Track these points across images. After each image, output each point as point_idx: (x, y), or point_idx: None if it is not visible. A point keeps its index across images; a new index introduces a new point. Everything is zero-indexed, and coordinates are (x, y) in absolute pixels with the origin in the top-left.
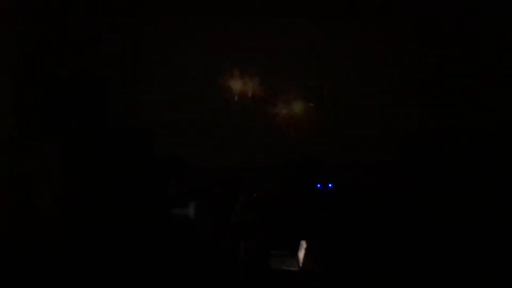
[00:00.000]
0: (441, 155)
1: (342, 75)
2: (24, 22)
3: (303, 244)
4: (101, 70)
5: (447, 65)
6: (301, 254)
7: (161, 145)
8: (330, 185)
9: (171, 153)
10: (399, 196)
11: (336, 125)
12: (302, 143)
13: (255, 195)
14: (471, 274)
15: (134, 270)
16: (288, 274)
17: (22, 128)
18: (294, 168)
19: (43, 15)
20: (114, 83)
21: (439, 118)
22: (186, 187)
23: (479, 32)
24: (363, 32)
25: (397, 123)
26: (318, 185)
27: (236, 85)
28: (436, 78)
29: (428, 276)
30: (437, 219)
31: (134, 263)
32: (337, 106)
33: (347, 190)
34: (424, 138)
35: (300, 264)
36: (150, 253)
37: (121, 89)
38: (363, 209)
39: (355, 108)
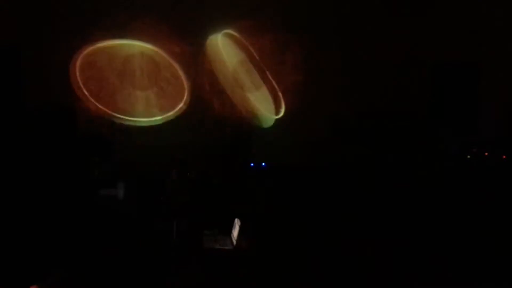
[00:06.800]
0: (368, 135)
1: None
2: None
3: (237, 222)
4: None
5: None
6: (235, 233)
7: (85, 124)
8: (263, 164)
9: (96, 132)
10: (330, 176)
11: (269, 105)
12: (235, 122)
13: (187, 173)
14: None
15: (60, 253)
16: (222, 253)
17: None
18: (227, 147)
19: None
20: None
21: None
22: (114, 166)
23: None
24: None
25: (326, 104)
26: (251, 164)
27: (164, 59)
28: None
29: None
30: (370, 197)
31: (60, 246)
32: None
33: (280, 169)
34: (351, 118)
35: (234, 243)
36: (78, 235)
37: (40, 62)
38: (295, 188)
39: (287, 88)
